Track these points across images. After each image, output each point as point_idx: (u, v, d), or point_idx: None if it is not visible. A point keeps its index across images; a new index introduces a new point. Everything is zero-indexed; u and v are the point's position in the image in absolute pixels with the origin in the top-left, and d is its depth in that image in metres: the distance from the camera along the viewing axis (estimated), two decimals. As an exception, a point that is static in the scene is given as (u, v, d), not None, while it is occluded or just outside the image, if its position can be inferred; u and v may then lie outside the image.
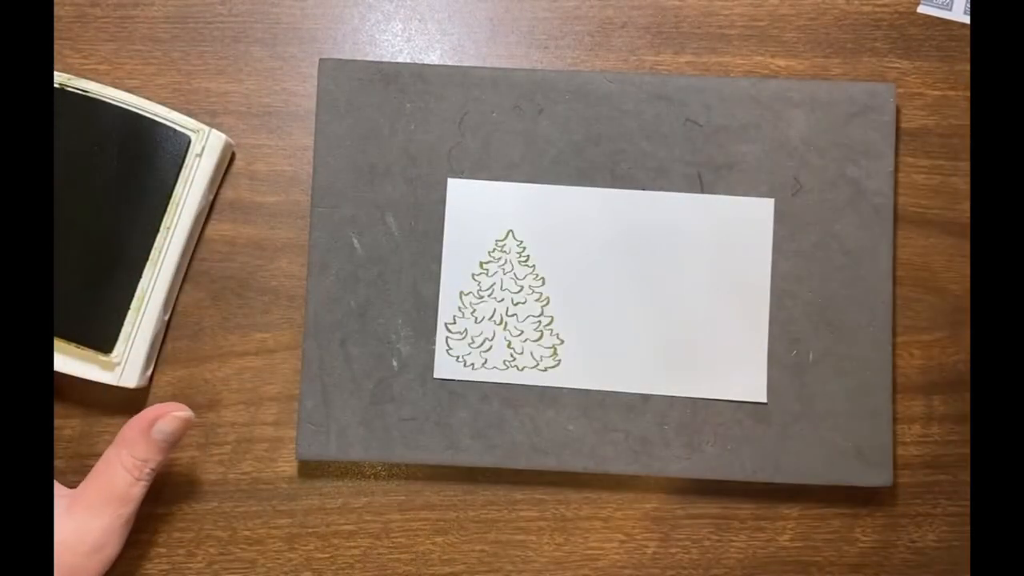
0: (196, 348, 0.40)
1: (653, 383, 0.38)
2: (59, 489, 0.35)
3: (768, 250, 0.38)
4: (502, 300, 0.38)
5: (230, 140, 0.39)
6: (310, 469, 0.39)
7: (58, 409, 0.39)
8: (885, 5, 0.41)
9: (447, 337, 0.38)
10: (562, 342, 0.38)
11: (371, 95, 0.39)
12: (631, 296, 0.38)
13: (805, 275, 0.38)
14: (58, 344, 0.37)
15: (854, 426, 0.37)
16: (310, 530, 0.39)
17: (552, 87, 0.39)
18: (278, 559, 0.39)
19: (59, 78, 0.38)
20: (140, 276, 0.38)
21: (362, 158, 0.39)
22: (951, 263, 0.40)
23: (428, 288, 0.38)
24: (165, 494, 0.39)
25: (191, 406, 0.35)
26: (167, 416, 0.34)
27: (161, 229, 0.38)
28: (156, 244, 0.38)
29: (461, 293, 0.38)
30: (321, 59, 0.39)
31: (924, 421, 0.39)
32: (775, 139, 0.38)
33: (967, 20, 0.40)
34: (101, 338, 0.37)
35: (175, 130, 0.38)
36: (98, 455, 0.35)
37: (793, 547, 0.39)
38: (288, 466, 0.39)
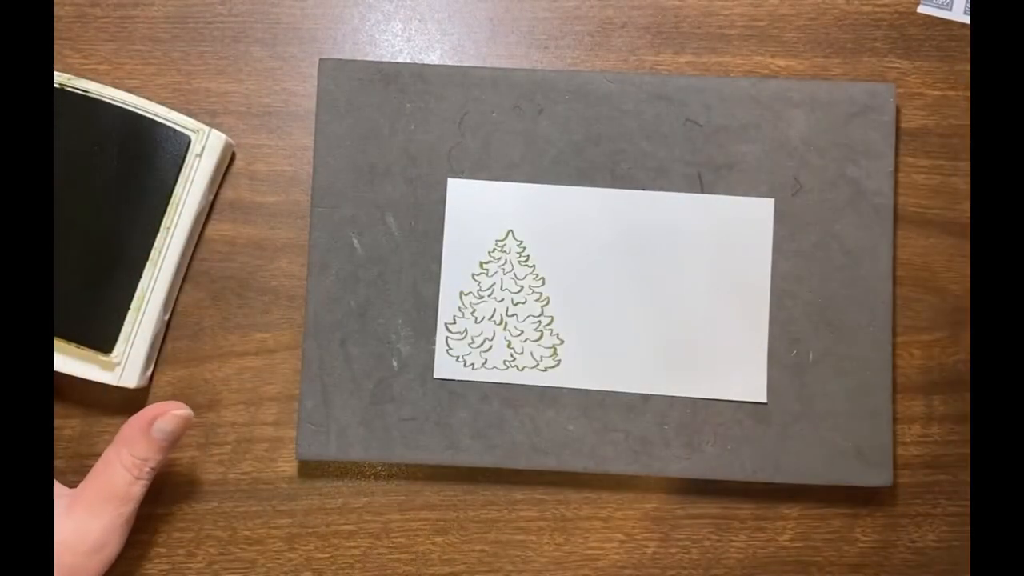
0: (196, 348, 0.40)
1: (653, 383, 0.38)
2: (59, 489, 0.35)
3: (768, 250, 0.38)
4: (502, 300, 0.38)
5: (230, 140, 0.39)
6: (310, 469, 0.39)
7: (58, 409, 0.39)
8: (885, 5, 0.41)
9: (447, 337, 0.38)
10: (562, 342, 0.38)
11: (371, 95, 0.39)
12: (631, 296, 0.38)
13: (805, 275, 0.38)
14: (58, 344, 0.37)
15: (854, 426, 0.37)
16: (310, 530, 0.39)
17: (552, 87, 0.39)
18: (278, 559, 0.39)
19: (59, 78, 0.38)
20: (140, 276, 0.38)
21: (362, 158, 0.39)
22: (951, 263, 0.40)
23: (428, 288, 0.38)
24: (165, 494, 0.39)
25: (191, 406, 0.35)
26: (167, 415, 0.34)
27: (161, 229, 0.38)
28: (156, 244, 0.38)
29: (461, 293, 0.38)
30: (321, 59, 0.39)
31: (924, 421, 0.39)
32: (775, 139, 0.38)
33: (967, 20, 0.40)
34: (101, 338, 0.37)
35: (175, 130, 0.38)
36: (98, 455, 0.35)
37: (793, 547, 0.39)
38: (288, 466, 0.39)
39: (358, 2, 0.41)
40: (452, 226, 0.38)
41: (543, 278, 0.38)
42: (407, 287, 0.38)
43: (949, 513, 0.39)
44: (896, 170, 0.39)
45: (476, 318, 0.38)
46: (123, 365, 0.37)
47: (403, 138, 0.39)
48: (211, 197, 0.40)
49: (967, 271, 0.39)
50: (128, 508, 0.34)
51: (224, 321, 0.40)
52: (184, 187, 0.38)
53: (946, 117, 0.40)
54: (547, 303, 0.38)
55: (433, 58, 0.41)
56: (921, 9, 0.41)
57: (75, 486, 0.35)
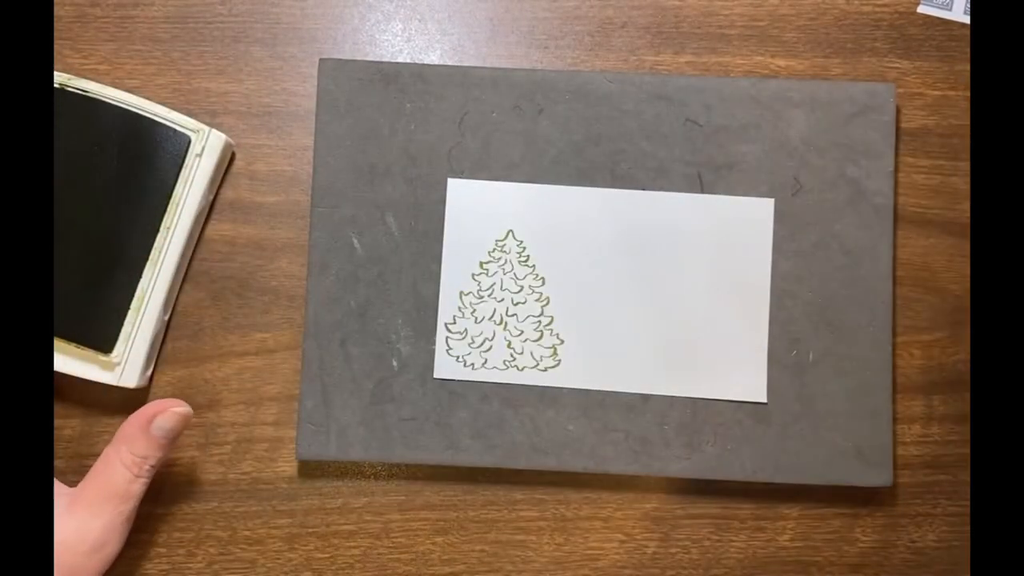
0: (196, 348, 0.40)
1: (653, 383, 0.38)
2: (59, 488, 0.35)
3: (768, 250, 0.38)
4: (502, 300, 0.38)
5: (230, 140, 0.39)
6: (310, 469, 0.39)
7: (58, 409, 0.39)
8: (885, 5, 0.41)
9: (447, 337, 0.38)
10: (562, 342, 0.38)
11: (371, 95, 0.39)
12: (631, 296, 0.38)
13: (805, 275, 0.38)
14: (58, 344, 0.37)
15: (854, 426, 0.37)
16: (310, 530, 0.39)
17: (552, 87, 0.39)
18: (278, 559, 0.39)
19: (59, 78, 0.38)
20: (140, 276, 0.38)
21: (362, 158, 0.39)
22: (951, 263, 0.40)
23: (428, 288, 0.38)
24: (165, 494, 0.39)
25: (191, 406, 0.35)
26: (166, 412, 0.34)
27: (161, 229, 0.38)
28: (156, 244, 0.38)
29: (461, 293, 0.38)
30: (321, 59, 0.39)
31: (924, 421, 0.39)
32: (775, 139, 0.38)
33: (967, 20, 0.40)
34: (101, 338, 0.37)
35: (175, 130, 0.38)
36: (98, 455, 0.35)
37: (793, 547, 0.39)
38: (288, 466, 0.39)
39: (358, 2, 0.41)
40: (452, 226, 0.38)
41: (543, 278, 0.38)
42: (407, 287, 0.38)
43: (949, 513, 0.39)
44: (896, 170, 0.39)
45: (476, 318, 0.38)
46: (123, 365, 0.37)
47: (403, 138, 0.39)
48: (211, 197, 0.40)
49: (967, 271, 0.39)
50: (128, 506, 0.34)
51: (224, 321, 0.40)
52: (184, 187, 0.38)
53: (946, 117, 0.40)
54: (547, 303, 0.38)
55: (433, 58, 0.41)
56: (921, 9, 0.41)
57: (75, 486, 0.35)
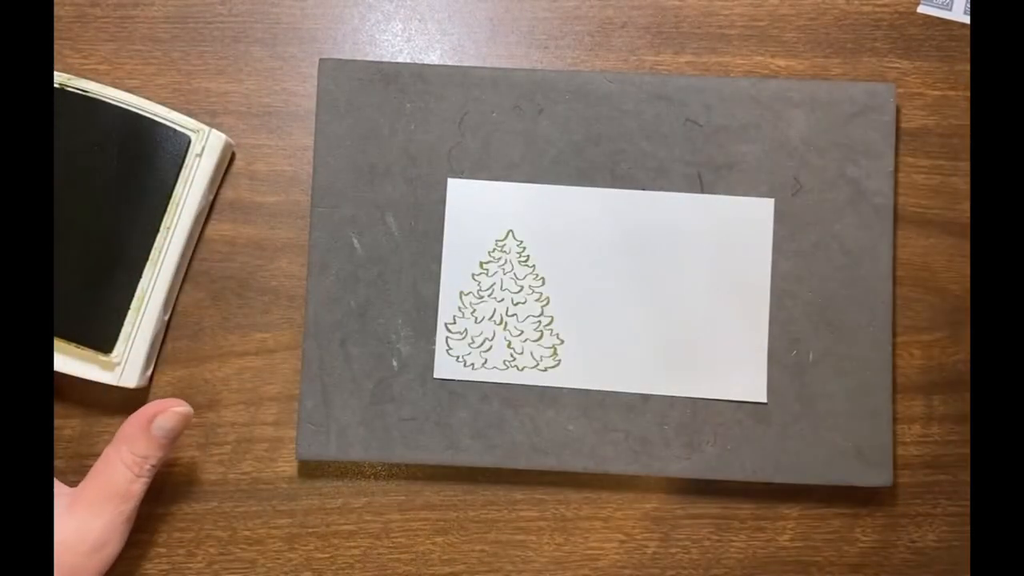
0: (196, 348, 0.40)
1: (653, 383, 0.38)
2: (59, 488, 0.35)
3: (768, 250, 0.38)
4: (502, 300, 0.38)
5: (230, 140, 0.39)
6: (310, 469, 0.39)
7: (58, 409, 0.39)
8: (885, 5, 0.41)
9: (447, 337, 0.38)
10: (562, 342, 0.38)
11: (371, 95, 0.39)
12: (631, 296, 0.38)
13: (805, 275, 0.38)
14: (58, 344, 0.37)
15: (854, 426, 0.37)
16: (310, 530, 0.39)
17: (552, 87, 0.39)
18: (278, 559, 0.39)
19: (59, 78, 0.38)
20: (140, 276, 0.38)
21: (362, 158, 0.39)
22: (951, 263, 0.40)
23: (428, 288, 0.38)
24: (165, 494, 0.39)
25: (191, 406, 0.35)
26: (166, 412, 0.34)
27: (161, 229, 0.38)
28: (156, 244, 0.38)
29: (461, 293, 0.38)
30: (321, 59, 0.39)
31: (924, 421, 0.39)
32: (775, 139, 0.38)
33: (967, 20, 0.40)
34: (101, 338, 0.37)
35: (175, 130, 0.38)
36: (98, 455, 0.35)
37: (793, 547, 0.39)
38: (288, 466, 0.39)
39: (358, 2, 0.41)
40: (452, 226, 0.38)
41: (543, 278, 0.38)
42: (407, 287, 0.38)
43: (949, 513, 0.39)
44: (896, 170, 0.39)
45: (476, 318, 0.38)
46: (123, 365, 0.37)
47: (403, 138, 0.39)
48: (211, 197, 0.40)
49: (967, 271, 0.39)
50: (129, 506, 0.34)
51: (224, 321, 0.40)
52: (184, 187, 0.38)
53: (946, 117, 0.40)
54: (547, 303, 0.38)
55: (433, 58, 0.41)
56: (921, 9, 0.41)
57: (75, 486, 0.35)
